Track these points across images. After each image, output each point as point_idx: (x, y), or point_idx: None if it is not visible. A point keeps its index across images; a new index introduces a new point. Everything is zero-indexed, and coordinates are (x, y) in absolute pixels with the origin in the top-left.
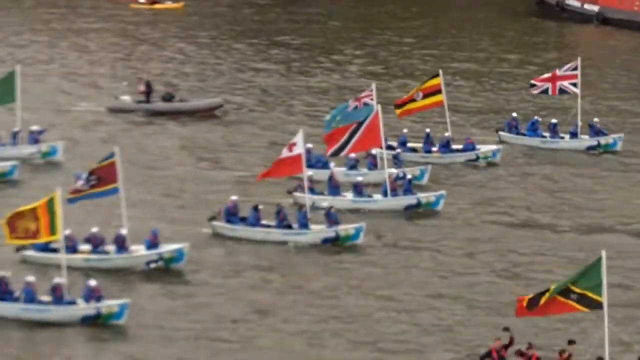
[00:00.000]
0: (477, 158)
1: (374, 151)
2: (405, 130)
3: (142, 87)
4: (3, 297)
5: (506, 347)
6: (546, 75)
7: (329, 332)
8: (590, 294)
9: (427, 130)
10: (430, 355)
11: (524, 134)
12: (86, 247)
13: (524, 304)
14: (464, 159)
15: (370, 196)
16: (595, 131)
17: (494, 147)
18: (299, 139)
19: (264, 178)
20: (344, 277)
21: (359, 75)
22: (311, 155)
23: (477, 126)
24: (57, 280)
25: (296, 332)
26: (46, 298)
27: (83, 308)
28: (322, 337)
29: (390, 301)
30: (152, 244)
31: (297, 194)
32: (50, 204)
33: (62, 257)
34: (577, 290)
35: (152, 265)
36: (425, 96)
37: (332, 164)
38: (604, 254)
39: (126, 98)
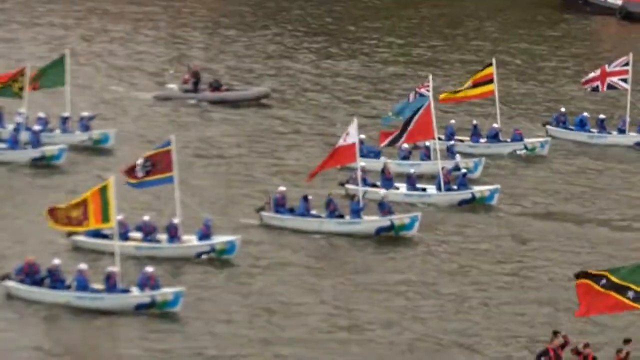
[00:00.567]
0: (525, 149)
1: (427, 142)
2: (452, 122)
3: (187, 76)
4: (54, 285)
5: (563, 346)
6: (594, 74)
7: (386, 324)
8: None
9: (475, 121)
10: (486, 349)
11: (571, 129)
12: (137, 234)
13: (584, 302)
14: (511, 150)
15: (424, 189)
16: None
17: (541, 139)
18: (353, 128)
19: (314, 176)
20: (398, 269)
21: (406, 64)
22: (363, 146)
23: (522, 118)
24: (110, 268)
25: (355, 324)
26: (98, 286)
27: (137, 296)
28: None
29: (446, 295)
30: (204, 235)
31: (349, 185)
32: (103, 191)
33: (116, 244)
34: (636, 288)
35: (204, 257)
36: (475, 85)
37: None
38: None
39: (173, 86)
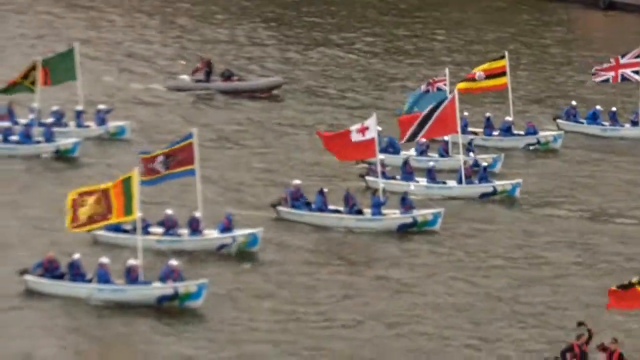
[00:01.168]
0: (538, 143)
1: (445, 137)
2: (465, 114)
3: (199, 64)
4: (75, 278)
5: (587, 341)
6: (608, 64)
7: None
8: None
9: (488, 114)
10: (511, 346)
11: (581, 122)
12: (158, 229)
13: (614, 296)
14: (524, 144)
15: (444, 183)
16: None
17: (554, 132)
18: (372, 122)
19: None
20: (421, 265)
21: (413, 57)
22: (381, 139)
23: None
24: (131, 261)
25: (381, 321)
26: (119, 281)
27: (159, 287)
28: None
29: (473, 287)
30: (226, 228)
31: (369, 177)
32: (126, 183)
33: (138, 238)
34: None
35: (225, 250)
36: (488, 77)
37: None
38: None
39: (185, 77)
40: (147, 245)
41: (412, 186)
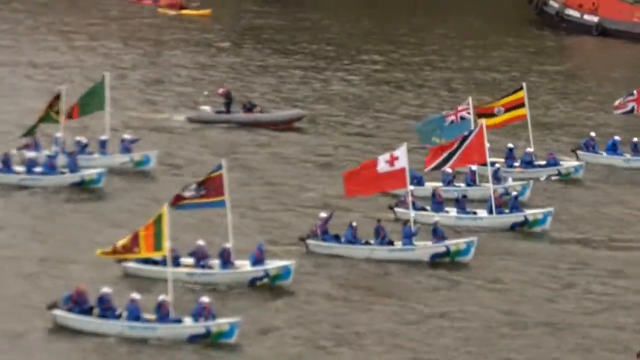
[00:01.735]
0: (559, 174)
1: (473, 167)
2: (487, 145)
3: (220, 91)
4: (104, 314)
5: None
6: (629, 97)
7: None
8: None
9: (510, 145)
10: None
11: (601, 154)
12: (189, 260)
13: None
14: (546, 175)
15: (474, 213)
16: None
17: (575, 163)
18: (402, 152)
19: (355, 194)
20: (457, 297)
21: (429, 85)
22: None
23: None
24: (162, 297)
25: (414, 355)
26: (150, 316)
27: (191, 326)
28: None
29: (512, 316)
30: (258, 260)
31: (398, 209)
32: (158, 220)
33: (169, 271)
34: None
35: (258, 283)
36: (507, 110)
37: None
38: None
39: (206, 108)
40: (178, 277)
41: (436, 217)
